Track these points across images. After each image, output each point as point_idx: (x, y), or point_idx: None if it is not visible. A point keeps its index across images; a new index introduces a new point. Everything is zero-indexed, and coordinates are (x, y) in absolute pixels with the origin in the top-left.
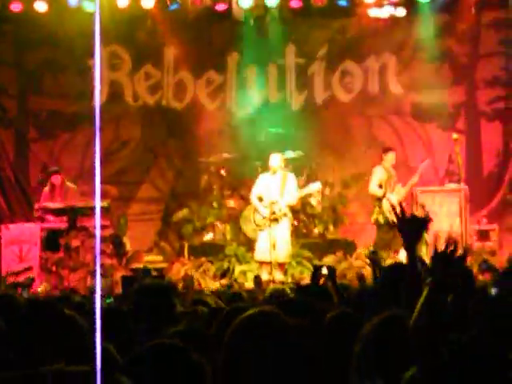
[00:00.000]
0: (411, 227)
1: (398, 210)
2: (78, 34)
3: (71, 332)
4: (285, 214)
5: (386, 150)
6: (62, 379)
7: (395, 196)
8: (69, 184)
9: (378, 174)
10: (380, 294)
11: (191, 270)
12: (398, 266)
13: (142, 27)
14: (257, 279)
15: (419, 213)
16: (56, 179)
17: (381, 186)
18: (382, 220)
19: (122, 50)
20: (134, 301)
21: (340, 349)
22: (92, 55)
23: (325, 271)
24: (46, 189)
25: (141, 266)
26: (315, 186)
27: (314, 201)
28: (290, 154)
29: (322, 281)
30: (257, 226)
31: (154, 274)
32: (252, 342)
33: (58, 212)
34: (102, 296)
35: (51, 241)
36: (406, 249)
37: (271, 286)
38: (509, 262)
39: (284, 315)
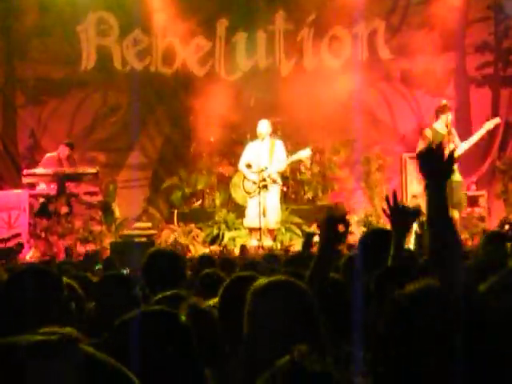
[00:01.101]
0: (401, 217)
1: (391, 199)
2: None
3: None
4: (274, 181)
5: (442, 109)
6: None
7: None
8: (75, 161)
9: (427, 135)
10: (361, 258)
11: (181, 237)
12: (378, 231)
13: None
14: (242, 248)
15: (411, 203)
16: (63, 151)
17: None
18: None
19: (111, 16)
20: (144, 266)
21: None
22: (79, 21)
23: (317, 239)
24: (52, 155)
25: (131, 232)
26: (305, 153)
27: (303, 167)
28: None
29: (314, 248)
30: (246, 192)
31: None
32: (270, 310)
33: (46, 178)
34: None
35: (45, 207)
36: (395, 236)
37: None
38: (500, 226)
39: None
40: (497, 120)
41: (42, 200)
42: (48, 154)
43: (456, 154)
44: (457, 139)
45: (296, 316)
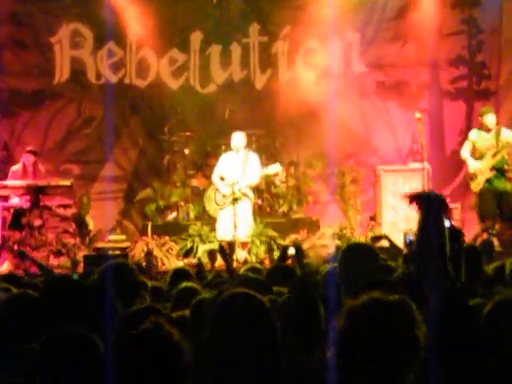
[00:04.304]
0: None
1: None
2: (38, 10)
3: None
4: (245, 194)
5: (482, 111)
6: None
7: (480, 163)
8: (40, 167)
9: (469, 137)
10: (339, 273)
11: (155, 249)
12: (355, 245)
13: (105, 5)
14: (211, 253)
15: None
16: (27, 158)
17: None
18: (471, 187)
19: (85, 28)
20: (99, 280)
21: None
22: (53, 33)
23: (292, 251)
24: (16, 167)
25: (105, 245)
26: (274, 168)
27: (277, 180)
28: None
29: (289, 261)
30: (217, 205)
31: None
32: (230, 323)
33: (18, 190)
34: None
35: (17, 219)
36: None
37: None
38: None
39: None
40: None
41: (12, 212)
42: (13, 168)
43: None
44: (508, 135)
45: (255, 328)
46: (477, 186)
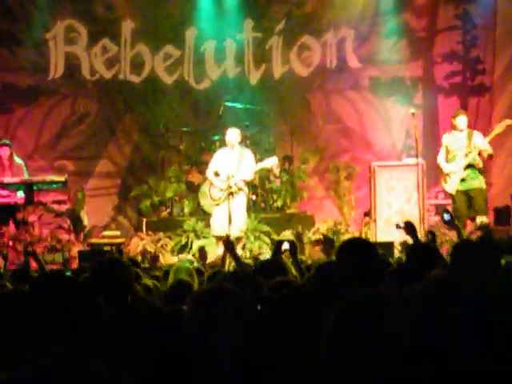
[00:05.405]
0: None
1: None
2: (33, 6)
3: None
4: (240, 189)
5: (454, 113)
6: None
7: (452, 166)
8: (16, 159)
9: (442, 143)
10: (340, 270)
11: (149, 245)
12: (353, 240)
13: (99, 1)
14: (201, 251)
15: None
16: (4, 152)
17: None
18: (446, 190)
19: (79, 24)
20: (90, 276)
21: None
22: (48, 29)
23: (286, 246)
24: None
25: (99, 240)
26: (271, 161)
27: (272, 176)
28: (250, 130)
29: (284, 256)
30: (212, 200)
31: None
32: (209, 317)
33: (12, 186)
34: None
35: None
36: None
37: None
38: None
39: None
40: None
41: None
42: None
43: (486, 154)
44: (479, 140)
45: (232, 322)
46: (451, 186)
